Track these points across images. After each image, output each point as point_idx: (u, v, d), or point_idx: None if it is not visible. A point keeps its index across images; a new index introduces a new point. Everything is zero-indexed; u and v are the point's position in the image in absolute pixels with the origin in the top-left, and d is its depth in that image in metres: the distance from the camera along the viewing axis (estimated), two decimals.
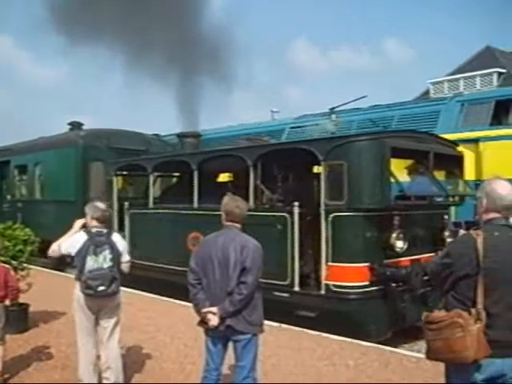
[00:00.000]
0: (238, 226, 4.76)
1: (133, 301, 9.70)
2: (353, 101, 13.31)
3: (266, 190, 9.51)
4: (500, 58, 36.15)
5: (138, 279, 10.43)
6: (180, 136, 13.14)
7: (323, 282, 8.17)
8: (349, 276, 7.95)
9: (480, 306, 3.27)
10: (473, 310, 3.27)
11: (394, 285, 7.97)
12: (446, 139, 9.80)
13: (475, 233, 3.41)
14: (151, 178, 11.95)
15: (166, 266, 10.91)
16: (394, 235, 8.06)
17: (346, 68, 76.57)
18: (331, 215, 8.07)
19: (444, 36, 78.31)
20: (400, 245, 8.11)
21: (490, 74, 34.50)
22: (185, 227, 10.51)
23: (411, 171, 9.14)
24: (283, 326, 8.33)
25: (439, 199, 9.02)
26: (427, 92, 32.79)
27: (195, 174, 10.45)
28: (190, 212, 10.53)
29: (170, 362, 6.78)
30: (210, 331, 4.65)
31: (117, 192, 12.76)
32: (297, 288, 8.50)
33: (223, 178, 12.30)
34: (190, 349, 7.15)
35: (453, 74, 36.27)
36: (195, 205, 10.40)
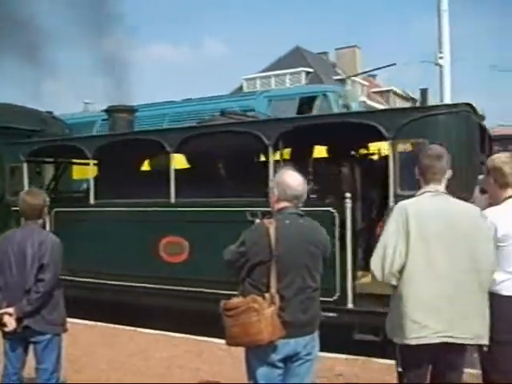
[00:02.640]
0: (39, 221, 4.54)
1: None
2: (383, 67, 12.92)
3: None
4: (308, 58, 38.50)
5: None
6: (110, 111, 10.43)
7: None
8: None
9: (273, 290, 3.43)
10: (267, 295, 3.42)
11: None
12: None
13: (268, 221, 3.56)
14: (92, 165, 9.08)
15: (122, 283, 8.23)
16: None
17: (165, 62, 76.45)
18: None
19: (258, 35, 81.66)
20: None
21: (299, 72, 36.65)
22: (157, 230, 8.03)
23: None
24: (98, 324, 8.06)
25: None
26: (241, 88, 33.89)
27: (171, 157, 7.91)
28: (167, 209, 7.94)
29: None
30: (7, 334, 4.36)
31: (28, 184, 9.45)
32: (350, 305, 6.71)
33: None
34: None
35: (265, 71, 37.91)
36: (172, 200, 7.91)
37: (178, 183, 7.87)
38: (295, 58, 37.73)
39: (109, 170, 9.29)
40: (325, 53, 44.34)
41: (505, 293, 3.71)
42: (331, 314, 6.28)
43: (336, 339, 5.97)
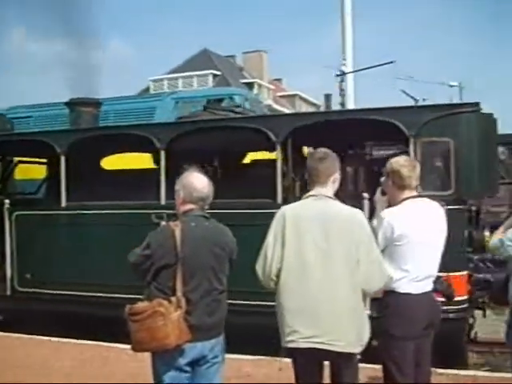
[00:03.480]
0: None
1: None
2: (379, 65, 12.51)
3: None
4: (215, 61, 38.59)
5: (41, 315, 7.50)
6: (73, 104, 9.35)
7: None
8: (457, 289, 5.73)
9: (179, 293, 3.40)
10: (173, 298, 3.39)
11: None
12: None
13: (174, 224, 3.54)
14: (63, 163, 7.92)
15: (104, 295, 7.34)
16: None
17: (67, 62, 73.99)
18: None
19: (166, 37, 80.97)
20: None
21: (206, 75, 36.69)
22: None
23: None
24: None
25: None
26: (148, 89, 33.44)
27: (162, 154, 7.23)
28: (157, 211, 6.84)
29: None
30: None
31: None
32: (367, 311, 6.42)
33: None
34: None
35: (172, 73, 37.63)
36: (162, 201, 7.14)
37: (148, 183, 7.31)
38: (203, 60, 37.74)
39: (83, 168, 8.37)
40: (232, 56, 44.64)
41: (401, 290, 3.83)
42: None
43: None
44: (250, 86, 36.38)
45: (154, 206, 7.06)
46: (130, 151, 9.22)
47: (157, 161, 7.46)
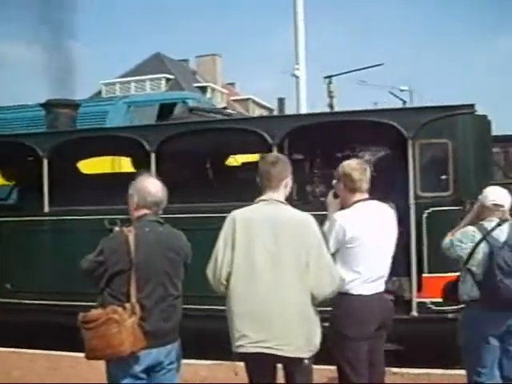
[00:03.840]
0: None
1: None
2: (368, 67, 12.16)
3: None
4: (168, 65, 38.38)
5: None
6: (49, 105, 8.86)
7: (415, 300, 6.35)
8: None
9: (134, 299, 3.37)
10: (127, 305, 3.36)
11: None
12: None
13: (127, 229, 3.50)
14: (45, 166, 7.52)
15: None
16: None
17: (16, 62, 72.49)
18: (427, 210, 6.29)
19: (118, 40, 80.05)
20: None
21: (159, 79, 36.45)
22: None
23: None
24: None
25: None
26: (100, 92, 33.01)
27: (152, 157, 6.96)
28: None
29: None
30: None
31: None
32: None
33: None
34: None
35: (125, 76, 37.23)
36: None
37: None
38: (155, 64, 37.47)
39: (66, 172, 8.03)
40: (185, 60, 44.45)
41: (353, 292, 3.89)
42: None
43: None
44: (203, 90, 36.32)
45: None
46: (118, 154, 8.90)
47: (146, 164, 7.11)
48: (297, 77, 13.10)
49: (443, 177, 6.41)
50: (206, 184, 7.63)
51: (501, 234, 4.36)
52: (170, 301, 3.54)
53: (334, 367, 4.13)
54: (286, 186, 3.70)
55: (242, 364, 3.68)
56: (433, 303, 6.23)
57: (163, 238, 3.60)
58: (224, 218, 3.57)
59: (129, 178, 3.87)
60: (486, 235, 4.36)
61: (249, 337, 3.50)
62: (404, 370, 6.10)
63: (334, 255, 3.80)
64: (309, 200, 7.01)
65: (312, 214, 5.40)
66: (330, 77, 12.16)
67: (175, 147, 7.27)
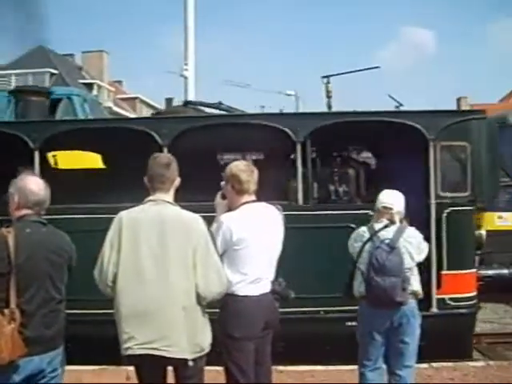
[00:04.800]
0: None
1: None
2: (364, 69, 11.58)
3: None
4: (53, 59, 36.96)
5: None
6: (19, 92, 8.24)
7: (434, 296, 6.62)
8: (469, 286, 6.76)
9: (13, 305, 3.20)
10: (6, 311, 3.19)
11: None
12: None
13: (6, 230, 3.31)
14: (37, 159, 6.88)
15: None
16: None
17: None
18: (447, 210, 6.58)
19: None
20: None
21: (43, 73, 35.01)
22: None
23: None
24: None
25: None
26: None
27: (165, 151, 6.41)
28: None
29: None
30: None
31: None
32: None
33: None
34: None
35: (5, 69, 35.43)
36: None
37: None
38: (38, 57, 35.92)
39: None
40: (71, 55, 43.02)
41: (240, 293, 3.91)
42: None
43: None
44: (89, 86, 35.27)
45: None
46: (126, 148, 8.36)
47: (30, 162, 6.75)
48: (185, 77, 13.10)
49: (462, 178, 6.77)
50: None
51: (386, 235, 4.61)
52: (52, 306, 3.38)
53: (220, 368, 4.12)
54: (176, 186, 3.69)
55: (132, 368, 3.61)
56: (451, 299, 6.62)
57: (45, 240, 3.44)
58: None
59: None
60: (373, 235, 4.62)
61: (136, 338, 3.45)
62: (290, 368, 6.25)
63: (221, 257, 3.79)
64: (341, 200, 7.13)
65: (352, 214, 6.17)
66: (327, 77, 12.26)
67: (191, 142, 6.85)
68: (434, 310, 6.65)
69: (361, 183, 7.36)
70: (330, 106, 10.77)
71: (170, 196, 3.64)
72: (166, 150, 6.53)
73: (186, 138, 6.74)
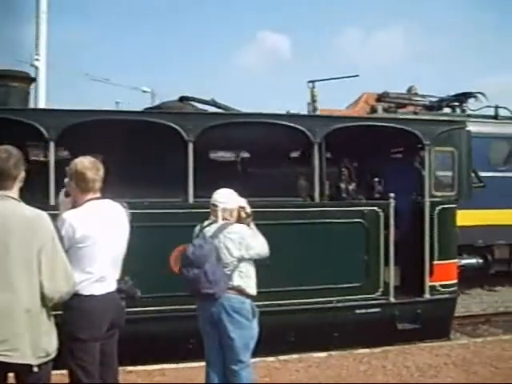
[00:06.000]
0: None
1: None
2: (344, 77, 12.13)
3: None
4: None
5: None
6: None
7: (427, 283, 7.64)
8: (453, 274, 7.86)
9: None
10: None
11: None
12: None
13: None
14: (52, 152, 6.61)
15: None
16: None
17: None
18: (438, 207, 7.61)
19: None
20: None
21: None
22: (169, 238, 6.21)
23: None
24: None
25: None
26: None
27: (190, 147, 6.83)
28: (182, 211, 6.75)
29: None
30: None
31: None
32: (392, 298, 7.50)
33: None
34: None
35: None
36: (190, 199, 6.84)
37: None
38: None
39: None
40: None
41: (85, 292, 3.77)
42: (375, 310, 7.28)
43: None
44: None
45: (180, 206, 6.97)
46: (149, 143, 7.85)
47: (184, 154, 6.91)
48: (36, 67, 12.84)
49: (450, 179, 8.00)
50: (240, 177, 7.93)
51: (210, 231, 4.77)
52: None
53: (64, 371, 3.95)
54: (21, 181, 3.42)
55: None
56: (440, 285, 7.75)
57: None
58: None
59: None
60: (199, 231, 4.85)
61: None
62: (139, 368, 6.20)
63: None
64: (352, 197, 8.08)
65: (358, 211, 7.34)
66: (313, 81, 12.37)
67: (213, 138, 7.26)
68: (427, 295, 7.75)
69: (353, 181, 8.45)
70: (315, 109, 11.70)
71: (14, 191, 3.36)
72: (191, 145, 6.85)
73: (212, 133, 7.05)
